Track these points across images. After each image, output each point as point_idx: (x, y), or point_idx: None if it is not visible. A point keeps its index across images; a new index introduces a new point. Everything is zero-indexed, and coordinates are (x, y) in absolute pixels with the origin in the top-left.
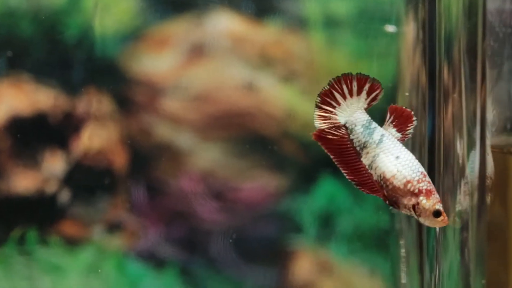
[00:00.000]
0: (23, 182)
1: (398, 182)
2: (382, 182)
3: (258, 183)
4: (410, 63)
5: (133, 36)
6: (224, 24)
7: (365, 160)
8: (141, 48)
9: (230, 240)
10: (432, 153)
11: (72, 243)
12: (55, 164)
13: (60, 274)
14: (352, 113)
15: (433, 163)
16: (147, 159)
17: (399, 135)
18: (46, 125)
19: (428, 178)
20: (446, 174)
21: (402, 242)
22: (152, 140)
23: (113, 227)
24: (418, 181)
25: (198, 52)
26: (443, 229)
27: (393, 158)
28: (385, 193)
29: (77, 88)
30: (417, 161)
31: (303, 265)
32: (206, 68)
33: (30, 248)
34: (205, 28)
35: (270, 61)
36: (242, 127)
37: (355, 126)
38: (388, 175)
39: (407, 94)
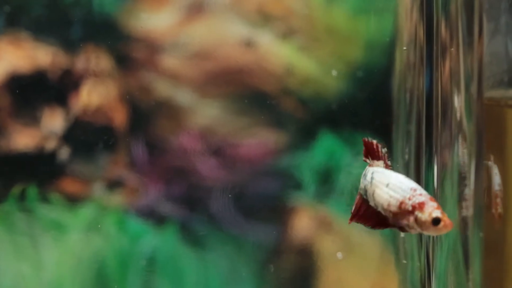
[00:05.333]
0: (23, 139)
1: (394, 208)
2: (384, 214)
3: (258, 139)
4: (408, 18)
5: None
6: None
7: (371, 202)
8: (139, 5)
9: (230, 197)
10: (430, 108)
11: (73, 200)
12: (54, 121)
13: (60, 231)
14: None
15: (431, 118)
16: (147, 116)
17: (382, 163)
18: (45, 82)
19: (420, 191)
20: (444, 129)
21: None
22: (152, 97)
23: (113, 184)
24: (409, 198)
25: (197, 8)
26: (441, 182)
27: (384, 187)
28: (391, 222)
29: (75, 45)
30: (407, 179)
31: (303, 221)
32: (205, 25)
33: (30, 205)
34: None
35: (269, 18)
36: (241, 84)
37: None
38: (385, 205)
39: (404, 48)
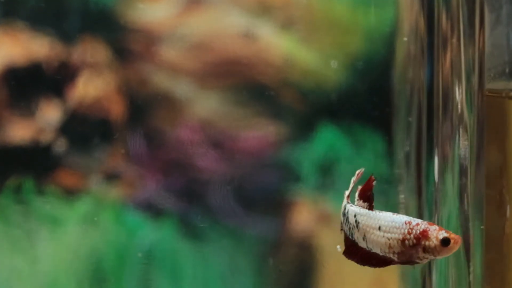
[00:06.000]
0: (19, 131)
1: (397, 248)
2: (388, 255)
3: (257, 131)
4: (409, 9)
5: None
6: None
7: (362, 244)
8: None
9: (229, 189)
10: (431, 99)
11: (69, 193)
12: (50, 113)
13: (57, 224)
14: None
15: (432, 110)
16: (145, 108)
17: (365, 204)
18: (41, 73)
19: (414, 221)
20: (445, 121)
21: (400, 188)
22: (150, 88)
23: (111, 177)
24: (409, 233)
25: None
26: (442, 176)
27: (377, 231)
28: (399, 261)
29: (72, 37)
30: (395, 215)
31: (302, 214)
32: (204, 15)
33: (26, 198)
34: None
35: (268, 9)
36: (241, 75)
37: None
38: (385, 248)
39: (405, 39)
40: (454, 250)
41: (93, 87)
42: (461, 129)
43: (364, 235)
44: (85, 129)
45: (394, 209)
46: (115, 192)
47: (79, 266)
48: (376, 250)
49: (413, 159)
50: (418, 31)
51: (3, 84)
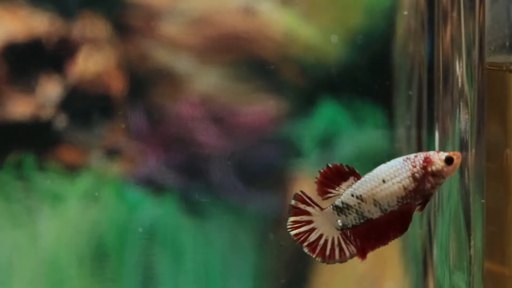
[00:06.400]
0: (19, 107)
1: (412, 186)
2: (405, 202)
3: (258, 107)
4: None
5: None
6: None
7: (377, 214)
8: None
9: (229, 165)
10: (431, 74)
11: (71, 169)
12: (51, 89)
13: (58, 200)
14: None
15: (432, 84)
16: (145, 83)
17: (352, 178)
18: (41, 49)
19: (411, 155)
20: (446, 95)
21: None
22: (150, 64)
23: (112, 153)
24: (414, 166)
25: None
26: (443, 148)
27: (384, 185)
28: (416, 203)
29: (72, 12)
30: (387, 164)
31: (303, 189)
32: None
33: (27, 174)
34: None
35: None
36: (241, 50)
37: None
38: (401, 193)
39: (405, 13)
40: (458, 164)
41: (93, 62)
42: (461, 103)
43: (374, 200)
44: (85, 104)
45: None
46: (116, 168)
47: (80, 242)
48: (393, 203)
49: (413, 134)
50: (418, 5)
51: (3, 60)
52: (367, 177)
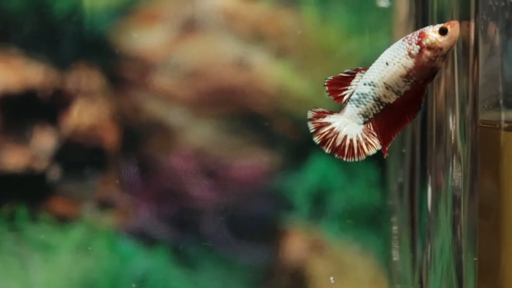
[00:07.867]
0: (13, 158)
1: (410, 62)
2: (412, 81)
3: (250, 160)
4: (403, 35)
5: (124, 10)
6: None
7: (392, 98)
8: (131, 23)
9: (222, 218)
10: (425, 129)
11: (63, 221)
12: (44, 141)
13: (50, 252)
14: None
15: (425, 139)
16: (138, 136)
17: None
18: (35, 100)
19: (409, 34)
20: (439, 151)
21: (394, 219)
22: (143, 116)
23: (104, 205)
24: (410, 44)
25: (189, 27)
26: (435, 207)
27: (388, 67)
28: (421, 81)
29: (66, 64)
30: (389, 48)
31: (295, 243)
32: (197, 44)
33: (20, 225)
34: (197, 3)
35: (262, 37)
36: (234, 104)
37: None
38: (404, 71)
39: None
40: (456, 35)
41: (87, 115)
42: (454, 160)
43: (385, 83)
44: (79, 156)
45: (388, 240)
46: (108, 220)
47: None
48: (401, 84)
49: (406, 190)
50: None
51: None
52: (373, 65)
